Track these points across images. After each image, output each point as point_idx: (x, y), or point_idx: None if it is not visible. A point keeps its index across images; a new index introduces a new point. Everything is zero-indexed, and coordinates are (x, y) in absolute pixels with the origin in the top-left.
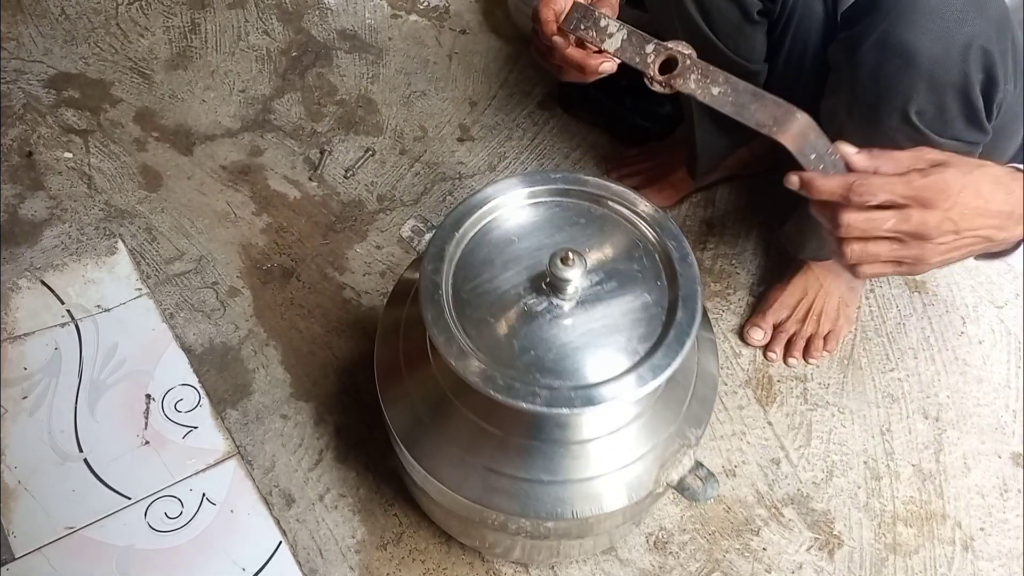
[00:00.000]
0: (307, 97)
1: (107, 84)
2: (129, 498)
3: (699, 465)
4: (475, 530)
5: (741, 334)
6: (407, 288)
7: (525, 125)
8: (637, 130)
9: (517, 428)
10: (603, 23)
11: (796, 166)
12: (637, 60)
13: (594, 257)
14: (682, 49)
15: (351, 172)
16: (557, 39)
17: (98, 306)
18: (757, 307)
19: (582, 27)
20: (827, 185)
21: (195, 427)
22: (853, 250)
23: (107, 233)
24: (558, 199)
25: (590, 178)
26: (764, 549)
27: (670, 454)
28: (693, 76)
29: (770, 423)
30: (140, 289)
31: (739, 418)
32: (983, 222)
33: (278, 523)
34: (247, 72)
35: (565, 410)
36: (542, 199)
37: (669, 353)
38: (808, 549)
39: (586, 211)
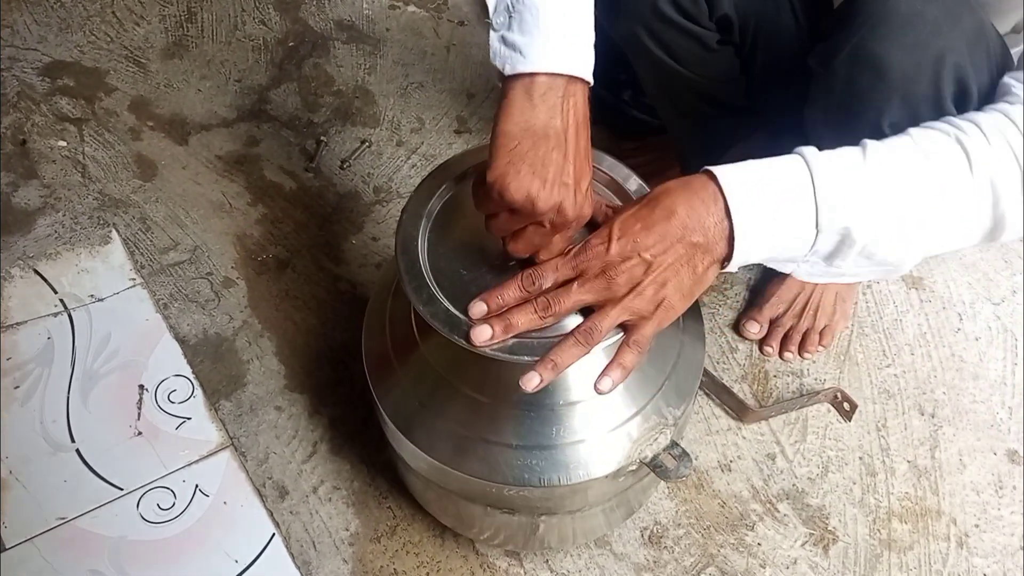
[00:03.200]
0: (304, 88)
1: (102, 72)
2: (121, 489)
3: (674, 444)
4: (467, 512)
5: (737, 328)
6: (393, 277)
7: None
8: (635, 124)
9: (500, 393)
10: None
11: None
12: None
13: None
14: None
15: (347, 163)
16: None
17: (91, 296)
18: (753, 301)
19: None
20: None
21: (188, 418)
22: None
23: (101, 222)
24: None
25: None
26: (759, 544)
27: (645, 431)
28: None
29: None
30: (134, 279)
31: None
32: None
33: (271, 515)
34: (243, 62)
35: (527, 358)
36: None
37: None
38: (803, 544)
39: None
